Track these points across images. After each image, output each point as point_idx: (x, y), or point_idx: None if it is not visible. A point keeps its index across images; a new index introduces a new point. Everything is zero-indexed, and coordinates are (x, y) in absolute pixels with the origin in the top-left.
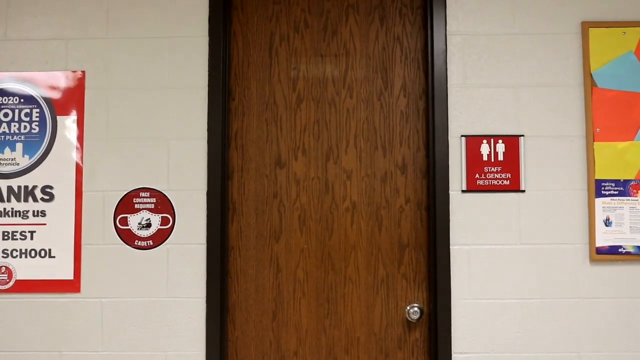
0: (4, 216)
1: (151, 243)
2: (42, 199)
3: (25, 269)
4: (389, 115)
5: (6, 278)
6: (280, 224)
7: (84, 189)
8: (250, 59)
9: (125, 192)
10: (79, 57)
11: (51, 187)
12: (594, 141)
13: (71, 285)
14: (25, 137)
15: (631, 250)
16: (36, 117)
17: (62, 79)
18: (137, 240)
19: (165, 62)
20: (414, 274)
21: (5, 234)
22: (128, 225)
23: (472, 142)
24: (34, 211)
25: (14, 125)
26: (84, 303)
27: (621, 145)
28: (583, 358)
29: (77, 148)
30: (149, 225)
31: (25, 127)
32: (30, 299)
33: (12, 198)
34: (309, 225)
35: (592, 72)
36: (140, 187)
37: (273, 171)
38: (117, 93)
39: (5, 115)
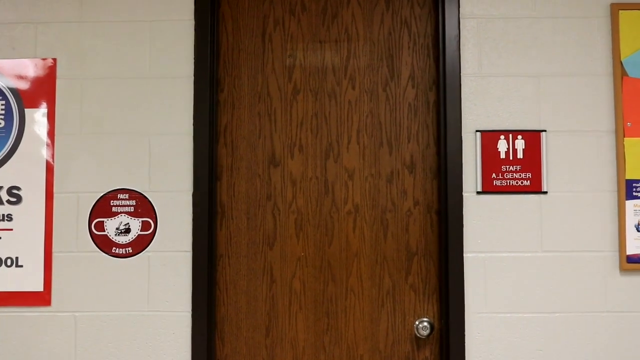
0: None
1: (130, 250)
2: (8, 201)
3: None
4: (396, 108)
5: None
6: (275, 229)
7: (55, 190)
8: (241, 46)
9: (102, 194)
10: (49, 43)
11: (18, 188)
12: (624, 137)
13: (41, 298)
14: None
15: None
16: (1, 109)
17: (30, 68)
18: (114, 247)
19: (146, 49)
20: (424, 285)
21: None
22: (105, 231)
23: (488, 137)
24: None
25: None
26: (55, 317)
27: None
28: None
29: (47, 144)
30: (128, 231)
31: None
32: None
33: None
34: (307, 231)
35: (622, 59)
36: (119, 188)
37: (266, 170)
38: (92, 83)
39: None
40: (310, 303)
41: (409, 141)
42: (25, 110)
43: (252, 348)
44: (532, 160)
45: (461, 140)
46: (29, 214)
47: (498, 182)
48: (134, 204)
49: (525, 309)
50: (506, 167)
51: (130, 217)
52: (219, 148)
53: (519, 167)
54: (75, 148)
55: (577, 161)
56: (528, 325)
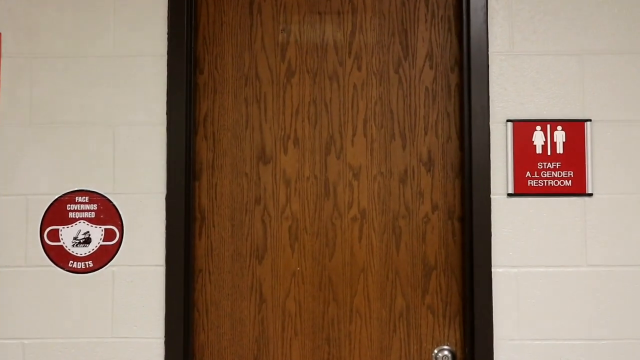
0: None
1: (91, 264)
2: None
3: None
4: (410, 93)
5: None
6: (265, 239)
7: None
8: (224, 18)
9: (56, 197)
10: None
11: None
12: None
13: None
14: None
15: None
16: None
17: None
18: (71, 261)
19: (109, 21)
20: (444, 306)
21: None
22: (60, 241)
23: (522, 128)
24: None
25: None
26: None
27: None
28: None
29: None
30: (88, 241)
31: None
32: None
33: None
34: (303, 241)
35: None
36: (77, 189)
37: (255, 168)
38: (45, 63)
39: None
40: (308, 327)
41: (426, 133)
42: None
43: None
44: (574, 156)
45: (489, 132)
46: None
47: (533, 183)
48: (96, 208)
49: (566, 334)
50: (543, 164)
51: (90, 224)
52: (198, 141)
53: (559, 164)
54: (24, 141)
55: (629, 157)
56: (569, 355)
